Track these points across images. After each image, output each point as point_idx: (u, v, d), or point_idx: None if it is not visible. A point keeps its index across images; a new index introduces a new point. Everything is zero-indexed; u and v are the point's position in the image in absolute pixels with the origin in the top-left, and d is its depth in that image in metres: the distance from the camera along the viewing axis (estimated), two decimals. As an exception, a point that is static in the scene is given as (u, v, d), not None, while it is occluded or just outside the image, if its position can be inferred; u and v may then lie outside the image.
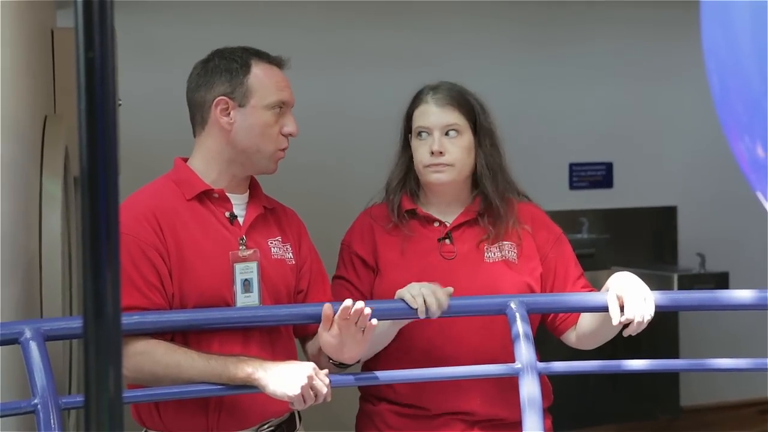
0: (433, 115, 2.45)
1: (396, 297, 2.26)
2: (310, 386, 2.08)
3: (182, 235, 2.22)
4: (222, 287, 2.23)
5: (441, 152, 2.42)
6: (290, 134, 2.31)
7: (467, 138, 2.46)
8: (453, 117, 2.45)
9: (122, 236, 2.13)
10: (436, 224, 2.49)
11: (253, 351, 2.22)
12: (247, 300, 2.25)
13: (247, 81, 2.27)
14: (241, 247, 2.27)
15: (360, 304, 2.12)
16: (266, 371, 2.11)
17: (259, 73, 2.28)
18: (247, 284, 2.26)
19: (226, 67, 2.28)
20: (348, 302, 2.13)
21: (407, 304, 2.22)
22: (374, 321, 2.15)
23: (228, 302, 2.23)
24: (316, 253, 2.47)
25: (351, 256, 2.50)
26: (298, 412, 2.36)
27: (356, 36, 5.20)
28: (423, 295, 2.21)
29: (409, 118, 2.51)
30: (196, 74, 2.32)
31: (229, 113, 2.27)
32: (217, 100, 2.27)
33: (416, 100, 2.50)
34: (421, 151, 2.45)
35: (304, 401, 2.10)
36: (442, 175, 2.43)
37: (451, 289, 2.27)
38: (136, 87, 4.27)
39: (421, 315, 2.22)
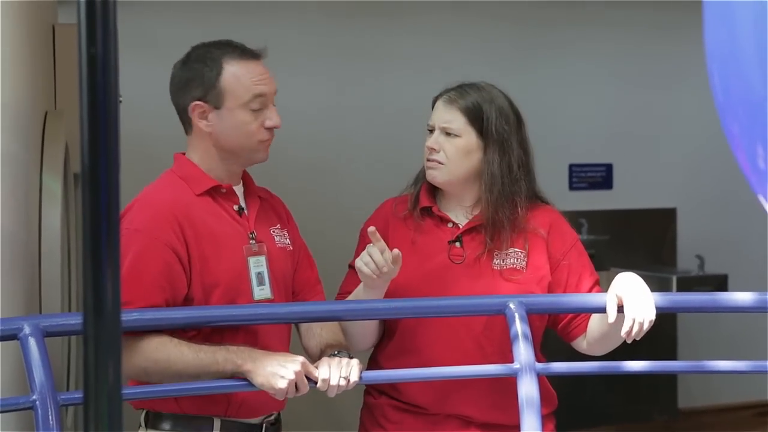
0: (437, 113, 2.48)
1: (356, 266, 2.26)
2: (295, 382, 2.08)
3: (201, 231, 2.22)
4: (241, 280, 2.25)
5: (434, 149, 2.45)
6: (273, 127, 2.28)
7: (466, 140, 2.45)
8: (453, 117, 2.45)
9: (139, 234, 2.15)
10: (450, 225, 2.50)
11: (274, 345, 2.23)
12: (262, 293, 2.27)
13: (219, 83, 2.23)
14: (251, 242, 2.28)
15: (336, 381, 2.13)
16: (255, 363, 2.10)
17: (232, 70, 2.24)
18: (260, 277, 2.28)
19: (198, 70, 2.25)
20: (324, 377, 2.13)
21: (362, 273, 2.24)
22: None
23: (247, 295, 2.25)
24: (297, 229, 2.49)
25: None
26: None
27: (354, 36, 5.20)
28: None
29: None
30: (175, 78, 2.30)
31: (207, 116, 2.25)
32: (193, 105, 2.25)
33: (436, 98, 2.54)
34: (425, 148, 2.49)
35: (287, 394, 2.10)
36: (434, 172, 2.46)
37: (397, 252, 2.26)
38: (136, 84, 4.27)
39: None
